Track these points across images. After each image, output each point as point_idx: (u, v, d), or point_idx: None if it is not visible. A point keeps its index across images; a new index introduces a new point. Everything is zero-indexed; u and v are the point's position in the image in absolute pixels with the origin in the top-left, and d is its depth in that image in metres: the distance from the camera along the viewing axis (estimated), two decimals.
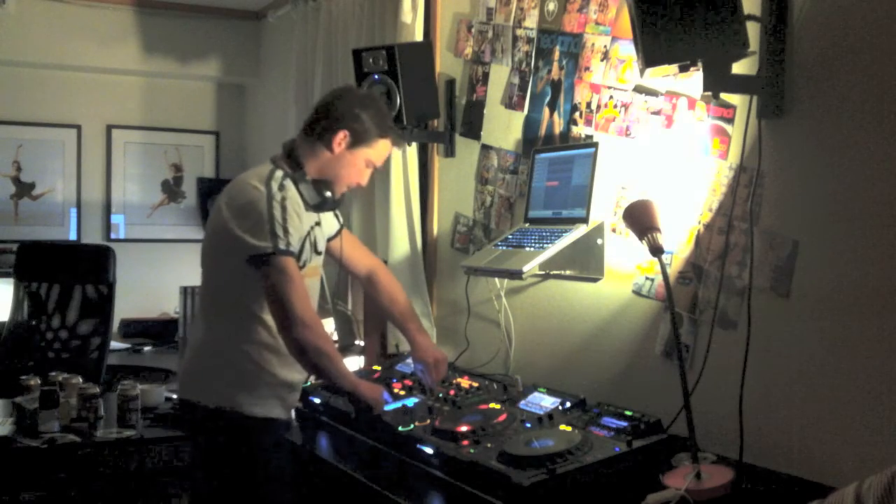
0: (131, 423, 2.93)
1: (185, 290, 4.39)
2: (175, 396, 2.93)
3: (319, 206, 2.39)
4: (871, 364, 1.90)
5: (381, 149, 2.44)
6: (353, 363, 3.30)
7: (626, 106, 2.56)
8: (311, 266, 2.40)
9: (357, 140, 2.38)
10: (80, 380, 3.08)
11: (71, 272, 4.17)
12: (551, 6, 2.86)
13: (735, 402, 2.03)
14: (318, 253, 2.44)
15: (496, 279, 2.99)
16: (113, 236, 5.35)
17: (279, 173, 2.33)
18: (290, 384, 2.41)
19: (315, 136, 2.39)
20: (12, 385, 3.15)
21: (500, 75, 3.11)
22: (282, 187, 2.28)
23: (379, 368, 3.09)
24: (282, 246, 2.21)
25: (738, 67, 2.05)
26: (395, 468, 2.31)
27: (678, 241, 2.36)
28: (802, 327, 2.04)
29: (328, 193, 2.38)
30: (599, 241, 2.61)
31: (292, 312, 2.20)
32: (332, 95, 2.47)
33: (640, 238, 2.18)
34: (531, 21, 2.95)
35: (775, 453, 2.07)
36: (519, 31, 3.01)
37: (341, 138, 2.37)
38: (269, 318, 2.31)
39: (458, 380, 2.76)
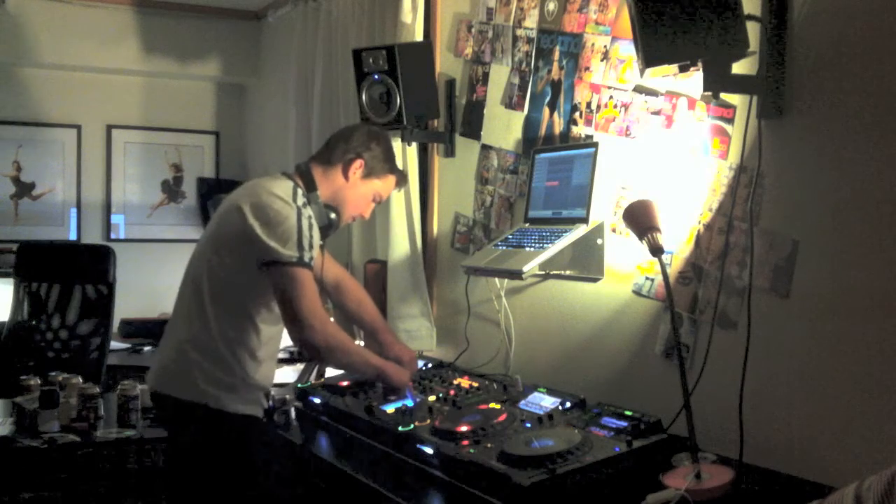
0: (131, 423, 2.93)
1: None
2: (148, 385, 2.90)
3: (324, 230, 2.47)
4: (870, 364, 1.90)
5: (389, 184, 2.60)
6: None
7: (626, 106, 2.56)
8: None
9: (370, 171, 2.52)
10: (80, 380, 3.08)
11: (71, 272, 4.17)
12: (551, 6, 2.86)
13: (735, 402, 2.03)
14: None
15: (496, 279, 2.99)
16: (113, 236, 5.35)
17: (300, 192, 2.40)
18: (264, 388, 2.47)
19: (330, 162, 2.50)
20: (12, 385, 3.15)
21: (500, 75, 3.11)
22: (305, 206, 2.36)
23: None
24: (306, 259, 2.29)
25: (738, 67, 2.05)
26: (395, 468, 2.31)
27: (678, 241, 2.36)
28: (802, 327, 2.05)
29: (333, 216, 2.49)
30: (599, 241, 2.61)
31: (300, 315, 2.27)
32: (350, 127, 2.63)
33: (640, 238, 2.18)
34: (531, 21, 2.95)
35: (775, 453, 2.07)
36: (519, 31, 3.01)
37: (357, 167, 2.49)
38: (261, 323, 2.37)
39: (458, 380, 2.76)
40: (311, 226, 2.33)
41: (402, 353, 2.69)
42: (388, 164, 2.56)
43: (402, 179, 2.67)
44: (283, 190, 2.36)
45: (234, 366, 2.34)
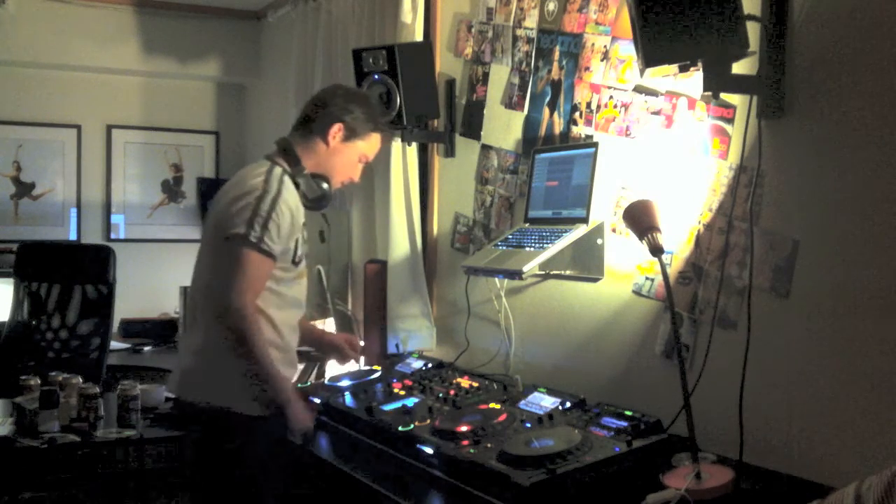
0: (131, 423, 2.93)
1: (185, 290, 4.40)
2: (171, 396, 2.91)
3: (318, 200, 2.43)
4: (870, 364, 1.90)
5: (373, 142, 2.51)
6: (353, 363, 3.30)
7: (626, 106, 2.56)
8: (299, 269, 2.40)
9: (351, 133, 2.45)
10: (80, 380, 3.08)
11: (71, 272, 4.17)
12: (551, 6, 2.86)
13: (735, 402, 2.03)
14: (299, 261, 2.42)
15: (496, 279, 2.99)
16: (113, 236, 5.35)
17: (278, 170, 2.35)
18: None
19: (310, 131, 2.44)
20: (12, 385, 3.15)
21: (500, 75, 3.11)
22: (281, 183, 2.30)
23: (379, 368, 3.09)
24: (252, 238, 2.20)
25: (738, 67, 2.05)
26: (395, 468, 2.31)
27: (678, 241, 2.36)
28: (802, 327, 2.04)
29: (325, 186, 2.43)
30: (599, 241, 2.61)
31: (224, 293, 2.18)
32: (324, 92, 2.54)
33: (640, 238, 2.18)
34: (531, 21, 2.95)
35: (775, 453, 2.07)
36: (519, 31, 3.01)
37: (336, 131, 2.43)
38: (273, 312, 2.32)
39: (458, 380, 2.76)
40: (274, 203, 2.24)
41: (336, 339, 2.73)
42: (369, 123, 2.48)
43: (388, 136, 2.61)
44: (256, 173, 2.32)
45: None
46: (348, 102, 2.45)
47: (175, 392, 2.46)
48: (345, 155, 2.46)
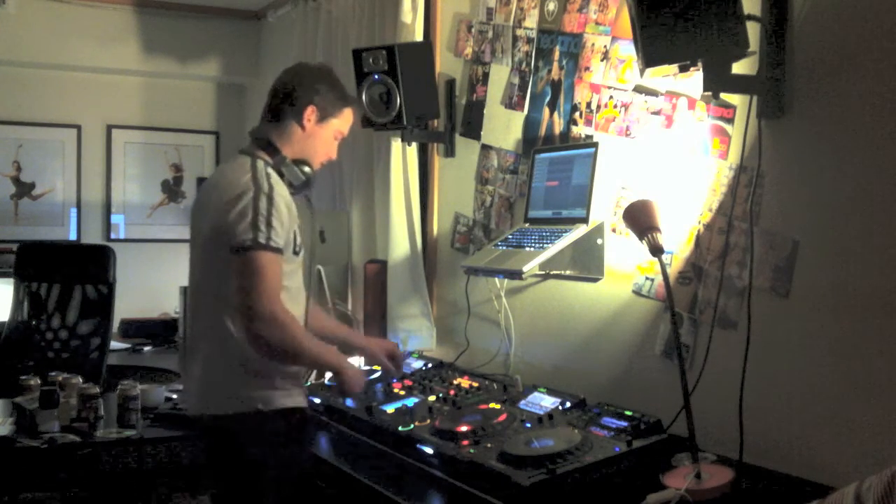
0: (131, 423, 2.93)
1: (185, 290, 4.39)
2: (190, 411, 2.90)
3: (303, 186, 2.40)
4: (870, 364, 1.90)
5: (346, 118, 2.48)
6: (353, 363, 3.30)
7: (626, 106, 2.56)
8: (299, 259, 2.40)
9: (325, 113, 2.42)
10: (80, 380, 3.08)
11: (71, 272, 4.16)
12: (551, 6, 2.86)
13: (735, 402, 2.03)
14: (299, 251, 2.40)
15: (496, 279, 2.99)
16: (113, 236, 5.35)
17: (261, 164, 2.32)
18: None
19: (283, 117, 2.40)
20: (12, 385, 3.15)
21: (500, 75, 3.11)
22: (268, 177, 2.28)
23: (379, 368, 3.09)
24: (261, 240, 2.18)
25: (738, 67, 2.05)
26: (395, 468, 2.31)
27: (678, 241, 2.36)
28: (802, 327, 2.05)
29: (307, 170, 2.40)
30: (599, 241, 2.61)
31: (255, 305, 2.15)
32: (287, 75, 2.49)
33: (640, 238, 2.18)
34: (531, 21, 2.95)
35: (775, 453, 2.07)
36: (519, 31, 3.01)
37: (310, 114, 2.39)
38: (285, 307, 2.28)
39: (458, 380, 2.76)
40: (270, 201, 2.21)
41: (374, 349, 2.66)
42: (340, 100, 2.45)
43: (358, 107, 2.57)
44: (241, 170, 2.29)
45: (266, 360, 2.25)
46: (314, 82, 2.42)
47: (198, 409, 2.41)
48: (322, 136, 2.43)
